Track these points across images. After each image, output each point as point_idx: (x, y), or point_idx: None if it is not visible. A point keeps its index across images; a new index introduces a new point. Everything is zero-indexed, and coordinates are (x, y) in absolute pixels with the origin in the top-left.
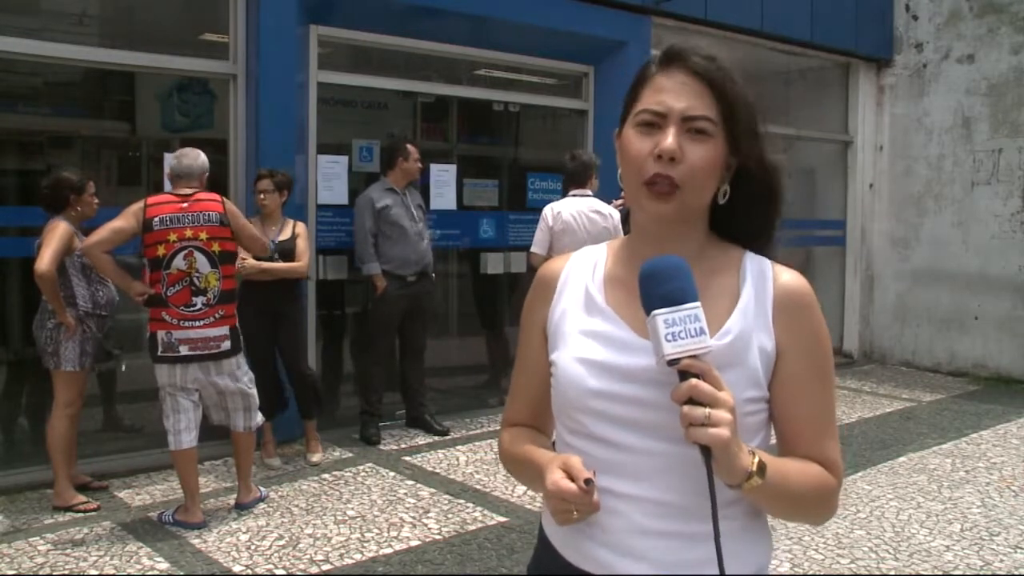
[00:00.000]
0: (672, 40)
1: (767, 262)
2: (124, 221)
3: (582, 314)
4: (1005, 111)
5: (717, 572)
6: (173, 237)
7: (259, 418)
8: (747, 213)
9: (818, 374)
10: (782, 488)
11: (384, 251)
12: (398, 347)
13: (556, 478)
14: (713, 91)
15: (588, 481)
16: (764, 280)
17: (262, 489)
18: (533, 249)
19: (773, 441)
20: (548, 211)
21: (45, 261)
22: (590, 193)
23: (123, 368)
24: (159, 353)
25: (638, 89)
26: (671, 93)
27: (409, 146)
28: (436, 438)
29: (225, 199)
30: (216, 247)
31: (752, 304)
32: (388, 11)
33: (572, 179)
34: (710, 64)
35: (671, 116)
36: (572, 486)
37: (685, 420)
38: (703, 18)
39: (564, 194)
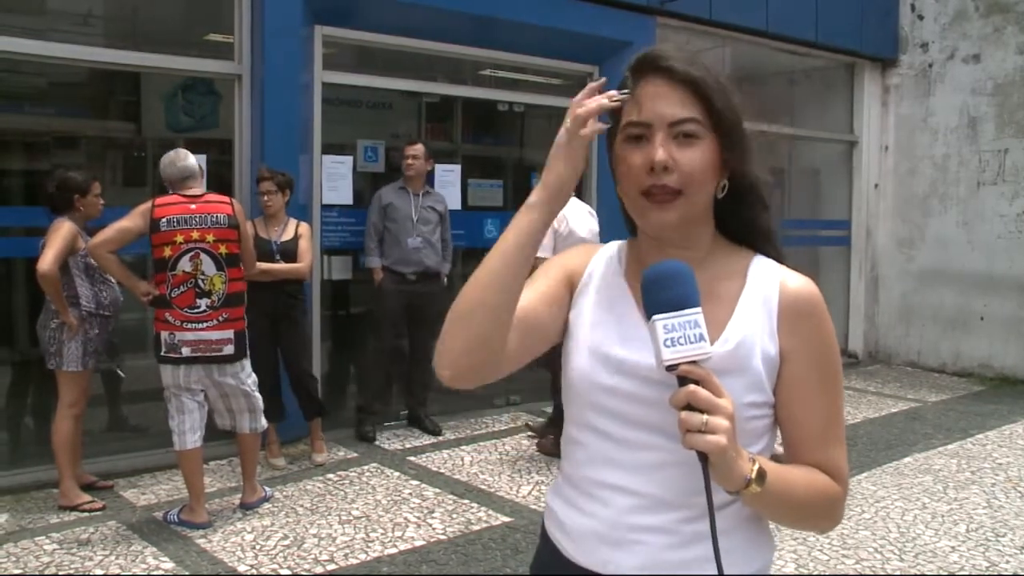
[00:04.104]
0: (677, 40)
1: (776, 266)
2: (131, 221)
3: (599, 310)
4: (1011, 111)
5: (715, 572)
6: (180, 239)
7: (264, 421)
8: (741, 211)
9: (824, 380)
10: (784, 496)
11: (385, 247)
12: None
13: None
14: (695, 91)
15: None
16: (771, 285)
17: (267, 489)
18: (539, 254)
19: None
20: None
21: (47, 261)
22: (573, 195)
23: (121, 373)
24: (162, 353)
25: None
26: (653, 101)
27: (407, 147)
28: (440, 438)
29: (235, 201)
30: (223, 249)
31: (756, 309)
32: (393, 11)
33: None
34: (688, 64)
35: (657, 125)
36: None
37: (683, 426)
38: (708, 18)
39: None
